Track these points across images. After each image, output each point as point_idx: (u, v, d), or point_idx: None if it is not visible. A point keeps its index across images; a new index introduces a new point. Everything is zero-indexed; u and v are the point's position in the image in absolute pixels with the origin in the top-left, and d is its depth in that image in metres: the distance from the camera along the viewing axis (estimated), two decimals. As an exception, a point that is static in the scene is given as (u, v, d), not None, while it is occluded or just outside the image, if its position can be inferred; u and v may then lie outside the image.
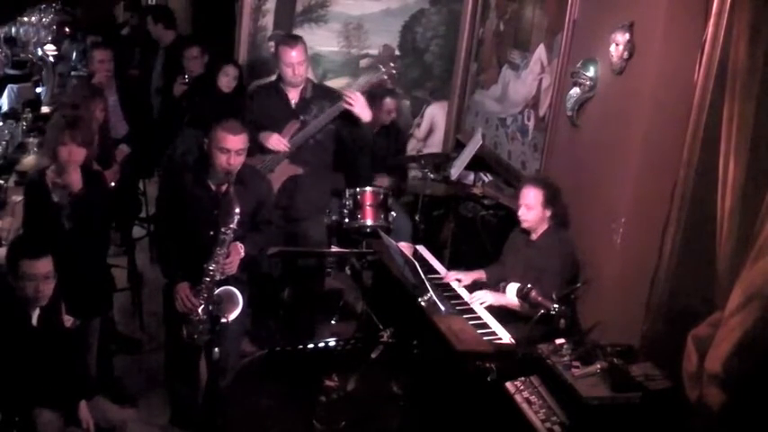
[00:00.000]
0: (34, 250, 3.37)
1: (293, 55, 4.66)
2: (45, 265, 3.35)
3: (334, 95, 4.85)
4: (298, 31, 6.30)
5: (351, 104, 4.62)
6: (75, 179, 3.83)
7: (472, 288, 4.28)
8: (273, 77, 5.06)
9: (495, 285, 4.23)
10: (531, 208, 4.04)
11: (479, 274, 4.38)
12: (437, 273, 4.46)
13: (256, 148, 4.65)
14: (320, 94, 4.87)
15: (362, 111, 4.66)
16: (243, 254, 3.89)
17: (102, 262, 4.25)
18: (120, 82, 5.81)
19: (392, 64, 4.89)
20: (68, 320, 3.83)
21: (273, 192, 4.50)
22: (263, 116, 4.75)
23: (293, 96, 4.78)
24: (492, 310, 4.04)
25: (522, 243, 4.20)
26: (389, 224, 5.11)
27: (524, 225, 4.11)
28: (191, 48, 6.12)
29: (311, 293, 5.05)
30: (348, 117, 4.69)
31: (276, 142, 4.67)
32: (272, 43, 6.31)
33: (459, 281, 4.32)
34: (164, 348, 4.30)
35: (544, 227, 4.08)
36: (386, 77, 4.89)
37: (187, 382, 4.04)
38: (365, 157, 5.51)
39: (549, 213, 4.05)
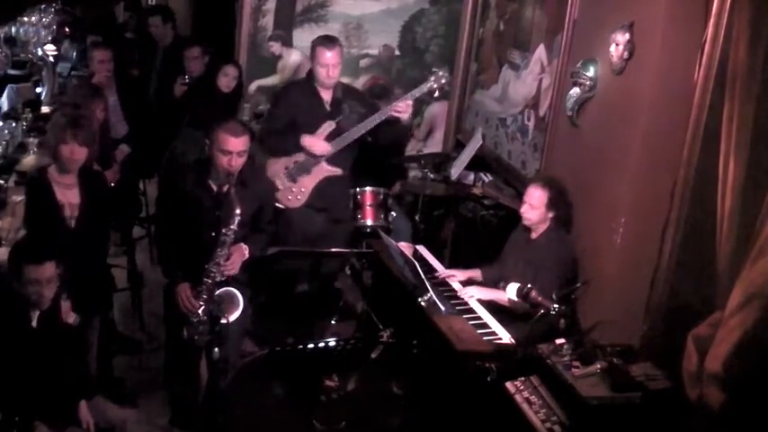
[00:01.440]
0: (39, 255, 3.36)
1: (329, 56, 4.69)
2: (49, 270, 3.35)
3: (361, 96, 4.90)
4: (297, 31, 6.33)
5: (402, 112, 4.70)
6: None
7: (466, 286, 4.30)
8: (270, 80, 5.08)
9: (491, 285, 4.24)
10: (535, 207, 4.04)
11: (474, 273, 4.40)
12: (435, 272, 4.46)
13: (294, 148, 4.68)
14: (349, 94, 4.89)
15: (409, 117, 4.79)
16: (247, 255, 3.89)
17: (102, 262, 4.25)
18: (120, 82, 5.81)
19: (441, 73, 4.90)
20: (72, 317, 3.83)
21: (275, 193, 4.51)
22: (296, 113, 4.77)
23: (326, 97, 4.81)
24: (492, 309, 4.05)
25: (522, 242, 4.21)
26: (389, 224, 5.11)
27: (525, 222, 4.12)
28: (191, 48, 6.12)
29: (313, 293, 5.05)
30: (387, 120, 4.75)
31: (321, 147, 4.69)
32: (272, 43, 6.32)
33: (452, 277, 4.34)
34: (164, 348, 4.31)
35: (545, 226, 4.08)
36: (435, 86, 4.90)
37: (187, 382, 4.04)
38: (398, 155, 5.54)
39: (551, 215, 4.05)
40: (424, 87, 4.92)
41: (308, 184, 4.77)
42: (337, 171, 4.79)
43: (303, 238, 4.81)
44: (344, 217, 4.91)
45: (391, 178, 5.51)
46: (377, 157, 5.31)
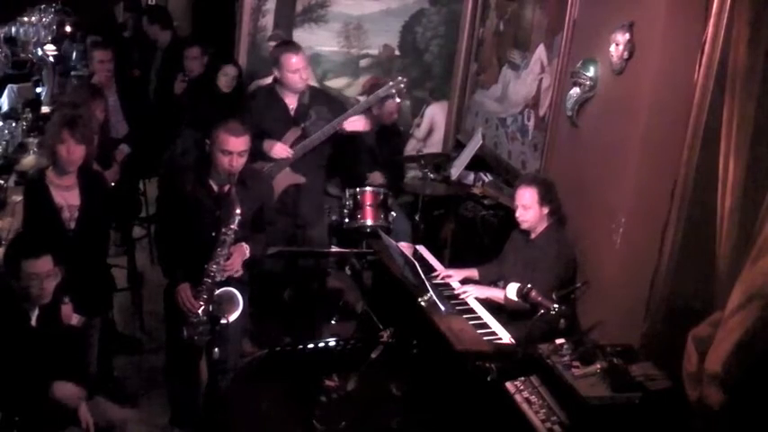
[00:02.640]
0: (35, 249, 3.37)
1: (295, 60, 4.68)
2: (47, 263, 3.36)
3: (331, 100, 4.89)
4: (298, 31, 6.33)
5: (355, 128, 4.72)
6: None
7: (464, 285, 4.30)
8: (269, 80, 5.05)
9: (489, 285, 4.24)
10: (528, 207, 4.04)
11: (471, 272, 4.41)
12: (435, 271, 4.47)
13: (257, 155, 4.68)
14: (318, 99, 4.88)
15: (364, 126, 4.76)
16: (248, 255, 3.89)
17: (102, 262, 4.25)
18: (120, 82, 5.81)
19: (400, 78, 4.89)
20: (76, 318, 3.84)
21: (274, 194, 4.51)
22: (261, 122, 4.76)
23: (291, 103, 4.80)
24: (492, 309, 4.05)
25: (521, 242, 4.21)
26: (389, 224, 5.12)
27: (524, 226, 4.11)
28: (191, 48, 6.12)
29: (311, 293, 5.06)
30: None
31: (280, 151, 4.68)
32: (272, 43, 6.31)
33: (449, 277, 4.35)
34: (164, 348, 4.31)
35: (544, 225, 4.08)
36: (394, 92, 4.89)
37: (187, 382, 4.03)
38: (364, 156, 5.53)
39: (546, 210, 4.05)
40: (381, 93, 4.91)
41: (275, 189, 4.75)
42: (300, 179, 4.78)
43: (276, 241, 4.80)
44: (314, 221, 4.92)
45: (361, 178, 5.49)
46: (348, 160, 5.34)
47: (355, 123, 4.73)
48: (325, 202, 5.33)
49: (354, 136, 4.88)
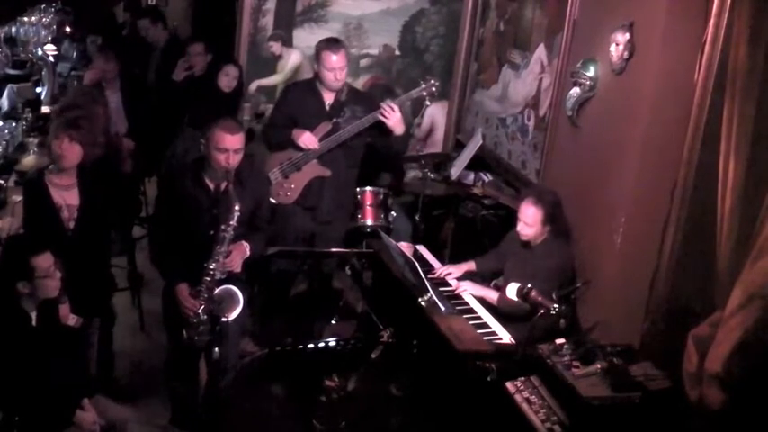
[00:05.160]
0: (36, 246, 3.39)
1: (335, 60, 4.67)
2: (47, 259, 3.38)
3: (369, 102, 4.89)
4: (298, 31, 6.32)
5: (386, 117, 4.67)
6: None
7: (463, 280, 4.32)
8: (272, 80, 5.07)
9: (487, 275, 4.24)
10: (530, 225, 4.01)
11: (469, 266, 4.41)
12: (433, 269, 4.47)
13: (287, 144, 4.71)
14: (355, 98, 4.88)
15: (397, 124, 4.72)
16: (249, 253, 3.90)
17: (102, 262, 4.26)
18: (123, 81, 5.83)
19: (432, 81, 4.89)
20: (73, 319, 3.84)
21: (270, 191, 4.51)
22: (296, 112, 4.78)
23: (328, 98, 4.81)
24: (492, 309, 4.04)
25: (519, 248, 4.18)
26: (389, 224, 5.12)
27: (523, 239, 4.08)
28: (194, 44, 6.12)
29: (312, 293, 5.06)
30: (380, 127, 4.73)
31: (308, 140, 4.69)
32: (272, 43, 6.32)
33: (449, 274, 4.35)
34: (164, 348, 4.30)
35: (542, 237, 4.06)
36: (425, 94, 4.89)
37: (187, 382, 4.04)
38: (394, 165, 5.52)
39: (548, 229, 4.03)
40: (414, 94, 4.91)
41: (298, 181, 4.76)
42: (326, 172, 4.77)
43: (295, 237, 4.81)
44: (331, 219, 4.89)
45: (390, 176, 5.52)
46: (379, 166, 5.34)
47: (386, 111, 4.68)
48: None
49: (385, 142, 4.87)
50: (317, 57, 4.78)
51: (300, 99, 4.83)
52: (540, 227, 4.00)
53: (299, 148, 4.73)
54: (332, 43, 4.80)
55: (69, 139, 3.91)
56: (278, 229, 4.61)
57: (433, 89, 4.87)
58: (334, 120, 4.76)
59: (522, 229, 4.05)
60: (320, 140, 4.71)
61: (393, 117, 4.67)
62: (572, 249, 4.07)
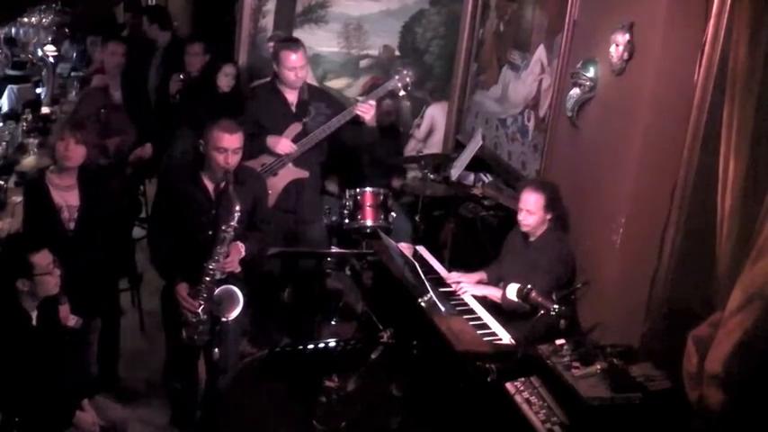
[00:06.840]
0: (34, 244, 3.40)
1: (294, 58, 4.68)
2: (46, 256, 3.38)
3: (327, 96, 4.90)
4: (298, 32, 6.32)
5: (365, 113, 4.68)
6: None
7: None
8: (269, 78, 5.06)
9: (495, 284, 4.23)
10: (533, 213, 4.02)
11: (480, 276, 4.39)
12: (437, 273, 4.46)
13: (259, 150, 4.67)
14: (315, 95, 4.89)
15: (373, 119, 4.74)
16: (244, 253, 3.89)
17: (102, 263, 4.25)
18: (124, 80, 5.83)
19: (405, 71, 4.90)
20: (73, 320, 3.84)
21: (268, 191, 4.51)
22: (263, 118, 4.77)
23: (291, 98, 4.80)
24: (492, 309, 4.05)
25: (519, 243, 4.20)
26: (389, 225, 5.12)
27: (524, 229, 4.09)
28: (193, 44, 6.12)
29: (311, 294, 5.06)
30: (353, 120, 4.73)
31: (285, 146, 4.69)
32: (270, 44, 6.31)
33: (458, 283, 4.32)
34: (164, 348, 4.30)
35: (543, 229, 4.08)
36: (400, 85, 4.89)
37: (187, 382, 4.04)
38: (364, 156, 5.53)
39: (549, 216, 4.04)
40: (388, 86, 4.93)
41: (275, 186, 4.73)
42: (304, 173, 4.78)
43: (275, 239, 4.80)
44: (314, 218, 4.91)
45: (391, 178, 5.51)
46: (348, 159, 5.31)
47: (365, 108, 4.70)
48: (325, 202, 5.34)
49: (356, 136, 4.87)
50: (275, 57, 4.79)
51: (265, 102, 4.83)
52: (543, 213, 4.01)
53: (273, 153, 4.73)
54: (290, 43, 4.83)
55: (75, 141, 3.92)
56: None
57: (408, 79, 4.88)
58: (304, 120, 4.76)
59: (524, 219, 4.05)
60: (293, 142, 4.72)
61: (371, 113, 4.70)
62: (570, 243, 4.08)
